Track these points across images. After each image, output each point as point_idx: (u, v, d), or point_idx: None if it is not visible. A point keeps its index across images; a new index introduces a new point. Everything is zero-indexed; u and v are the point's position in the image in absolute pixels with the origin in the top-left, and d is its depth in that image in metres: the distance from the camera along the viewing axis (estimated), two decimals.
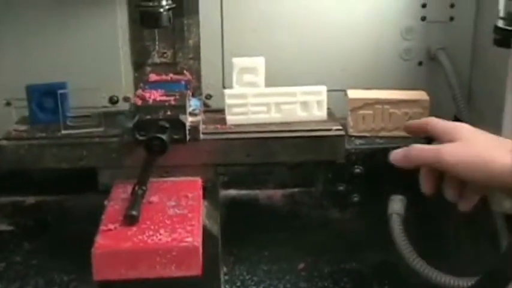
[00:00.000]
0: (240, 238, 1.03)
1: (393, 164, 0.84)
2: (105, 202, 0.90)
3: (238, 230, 1.03)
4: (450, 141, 0.79)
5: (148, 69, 1.11)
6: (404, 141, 0.92)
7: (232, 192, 1.13)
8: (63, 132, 0.97)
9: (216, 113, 1.03)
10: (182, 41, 1.09)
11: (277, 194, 1.14)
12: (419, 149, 0.80)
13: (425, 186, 0.84)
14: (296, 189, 1.13)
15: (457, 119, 1.12)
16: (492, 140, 0.79)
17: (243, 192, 1.14)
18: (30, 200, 1.15)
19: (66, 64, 1.12)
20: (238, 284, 0.97)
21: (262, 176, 1.16)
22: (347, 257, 1.01)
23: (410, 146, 0.81)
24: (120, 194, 0.92)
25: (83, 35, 1.12)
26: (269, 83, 1.02)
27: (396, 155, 0.82)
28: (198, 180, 0.96)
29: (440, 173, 0.84)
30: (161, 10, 0.99)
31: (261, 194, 1.14)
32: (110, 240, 0.81)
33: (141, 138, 0.91)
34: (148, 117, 0.91)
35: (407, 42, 1.17)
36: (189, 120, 0.94)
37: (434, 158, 0.78)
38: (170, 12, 1.00)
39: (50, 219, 1.11)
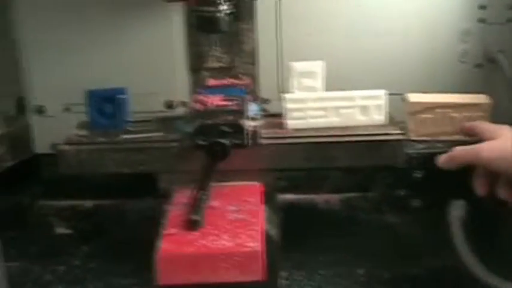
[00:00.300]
0: (297, 243, 1.02)
1: (440, 167, 0.88)
2: (166, 207, 0.91)
3: (295, 234, 1.02)
4: (491, 140, 0.89)
5: (205, 73, 1.11)
6: (465, 145, 0.92)
7: (289, 196, 1.13)
8: (123, 137, 0.98)
9: (274, 118, 1.03)
10: (239, 45, 1.09)
11: (334, 198, 1.13)
12: (461, 149, 0.90)
13: (479, 187, 0.92)
14: (354, 194, 1.13)
15: None
16: None
17: (300, 196, 1.14)
18: (88, 203, 1.16)
19: (123, 69, 1.13)
20: None
21: (319, 181, 1.15)
22: (407, 262, 1.00)
23: (454, 149, 0.91)
24: (181, 199, 0.92)
25: (139, 40, 1.13)
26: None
27: (441, 158, 0.92)
28: (258, 185, 0.96)
29: (493, 174, 0.87)
30: (220, 15, 0.99)
31: (318, 198, 1.14)
32: (174, 244, 0.82)
33: (201, 143, 0.91)
34: (209, 122, 0.92)
35: (465, 44, 1.15)
36: (249, 124, 0.95)
37: (474, 155, 0.88)
38: (229, 16, 1.00)
39: (107, 223, 1.12)
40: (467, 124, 0.99)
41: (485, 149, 0.87)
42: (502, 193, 0.89)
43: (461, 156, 0.90)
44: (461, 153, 0.90)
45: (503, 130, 0.91)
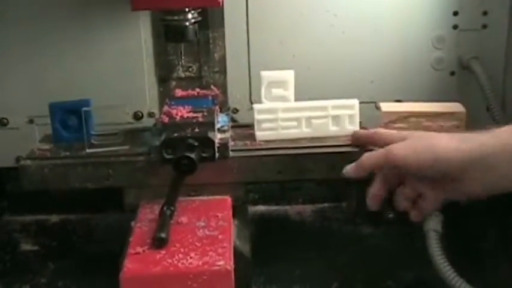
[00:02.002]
0: (270, 256, 1.00)
1: (348, 177, 0.87)
2: (132, 223, 0.88)
3: (268, 247, 1.00)
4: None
5: (173, 83, 1.08)
6: None
7: (261, 208, 1.11)
8: (88, 151, 0.94)
9: (244, 128, 1.00)
10: (207, 55, 1.07)
11: (307, 209, 1.12)
12: (369, 154, 0.85)
13: (373, 201, 0.88)
14: (327, 205, 1.11)
15: None
16: (437, 133, 0.86)
17: (272, 208, 1.12)
18: (54, 218, 1.13)
19: (90, 80, 1.11)
20: None
21: (292, 192, 1.13)
22: (382, 275, 0.97)
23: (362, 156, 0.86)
24: (147, 215, 0.89)
25: (107, 51, 1.10)
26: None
27: (349, 168, 0.88)
28: (228, 199, 0.93)
29: (391, 187, 0.86)
30: (187, 24, 0.96)
31: (291, 209, 1.12)
32: (139, 264, 0.79)
33: (168, 157, 0.88)
34: (176, 135, 0.88)
35: (439, 51, 1.13)
36: (217, 137, 0.92)
37: (383, 156, 0.83)
38: (196, 25, 0.98)
39: (74, 239, 1.09)
40: (362, 132, 0.95)
41: (396, 148, 0.82)
42: (402, 203, 0.87)
43: (370, 161, 0.85)
44: (369, 158, 0.85)
45: (411, 134, 0.87)
